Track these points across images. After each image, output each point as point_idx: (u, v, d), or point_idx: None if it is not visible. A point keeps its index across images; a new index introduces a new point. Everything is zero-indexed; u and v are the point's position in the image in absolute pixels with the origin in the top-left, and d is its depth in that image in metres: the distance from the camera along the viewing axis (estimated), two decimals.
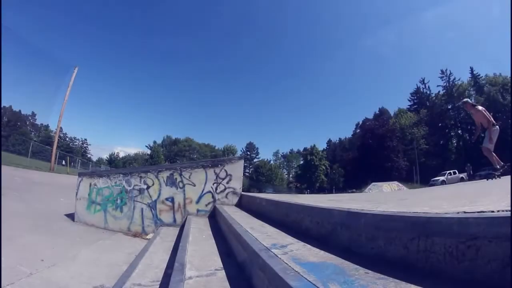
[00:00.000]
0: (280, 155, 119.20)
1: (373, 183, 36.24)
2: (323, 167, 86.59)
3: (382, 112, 78.07)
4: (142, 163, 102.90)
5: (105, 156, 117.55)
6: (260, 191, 76.73)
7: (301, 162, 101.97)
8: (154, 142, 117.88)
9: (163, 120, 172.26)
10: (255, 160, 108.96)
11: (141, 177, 6.36)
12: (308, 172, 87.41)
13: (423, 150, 61.22)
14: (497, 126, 7.57)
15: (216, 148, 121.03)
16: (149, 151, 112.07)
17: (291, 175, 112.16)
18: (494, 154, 7.31)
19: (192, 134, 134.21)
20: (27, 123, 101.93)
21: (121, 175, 6.51)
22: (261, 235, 2.51)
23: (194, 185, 6.16)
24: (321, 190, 77.59)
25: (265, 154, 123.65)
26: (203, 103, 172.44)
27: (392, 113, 76.00)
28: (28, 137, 67.52)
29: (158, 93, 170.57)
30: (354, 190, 46.54)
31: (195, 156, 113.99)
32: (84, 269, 3.82)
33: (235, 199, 6.15)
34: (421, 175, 51.88)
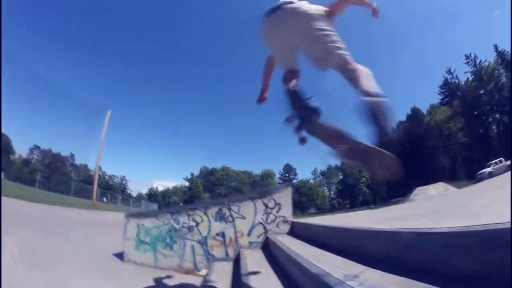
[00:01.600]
0: (318, 173, 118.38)
1: (418, 188, 35.03)
2: (364, 178, 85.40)
3: (415, 112, 76.32)
4: (181, 195, 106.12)
5: (144, 191, 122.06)
6: (303, 212, 76.32)
7: (341, 177, 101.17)
8: (192, 174, 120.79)
9: (197, 152, 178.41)
10: (294, 181, 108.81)
11: (189, 214, 6.59)
12: (349, 186, 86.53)
13: (463, 144, 58.71)
14: None
15: (254, 173, 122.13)
16: (187, 183, 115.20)
17: (332, 192, 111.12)
18: None
19: (227, 163, 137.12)
20: (67, 164, 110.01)
21: (168, 214, 6.78)
22: (327, 265, 2.50)
23: (244, 218, 6.31)
24: (364, 203, 76.28)
25: (304, 173, 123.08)
26: (234, 129, 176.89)
27: (424, 111, 74.21)
28: (68, 177, 73.34)
29: (192, 125, 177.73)
30: (399, 198, 45.28)
31: (233, 184, 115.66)
32: None
33: (286, 228, 6.19)
34: (465, 169, 50.09)
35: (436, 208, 5.18)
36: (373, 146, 2.40)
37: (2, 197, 14.90)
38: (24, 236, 7.11)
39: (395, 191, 61.54)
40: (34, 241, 6.90)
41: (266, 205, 6.35)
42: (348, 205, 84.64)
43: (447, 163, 58.23)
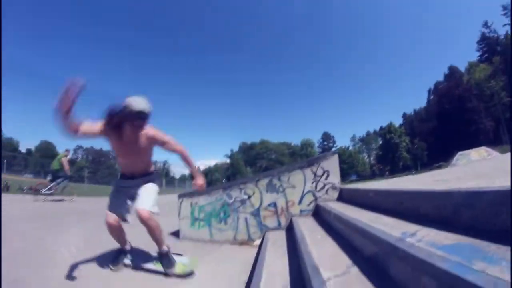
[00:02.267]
0: (357, 139, 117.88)
1: (459, 153, 34.11)
2: (404, 143, 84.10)
3: (453, 71, 72.98)
4: (223, 172, 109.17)
5: (186, 172, 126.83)
6: (344, 180, 76.09)
7: (380, 142, 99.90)
8: (231, 150, 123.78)
9: (236, 128, 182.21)
10: (334, 148, 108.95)
11: (241, 188, 6.92)
12: (389, 152, 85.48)
13: (506, 104, 55.37)
14: None
15: (293, 144, 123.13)
16: (228, 160, 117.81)
17: (372, 158, 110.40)
18: None
19: (266, 136, 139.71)
20: (110, 156, 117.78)
21: (220, 190, 7.15)
22: (383, 226, 2.70)
23: (294, 187, 6.52)
24: (405, 168, 75.11)
25: (342, 141, 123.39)
26: (270, 102, 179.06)
27: (463, 69, 70.54)
28: (114, 168, 77.93)
29: (227, 102, 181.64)
30: (441, 163, 44.31)
31: (273, 156, 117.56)
32: (206, 283, 4.28)
33: (335, 194, 6.36)
34: (509, 132, 47.79)
35: (481, 172, 5.18)
36: None
37: (57, 196, 15.98)
38: (86, 230, 7.83)
39: (435, 156, 60.19)
40: (96, 233, 7.48)
41: (314, 173, 6.51)
42: (388, 172, 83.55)
43: (490, 125, 55.59)
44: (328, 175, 6.49)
